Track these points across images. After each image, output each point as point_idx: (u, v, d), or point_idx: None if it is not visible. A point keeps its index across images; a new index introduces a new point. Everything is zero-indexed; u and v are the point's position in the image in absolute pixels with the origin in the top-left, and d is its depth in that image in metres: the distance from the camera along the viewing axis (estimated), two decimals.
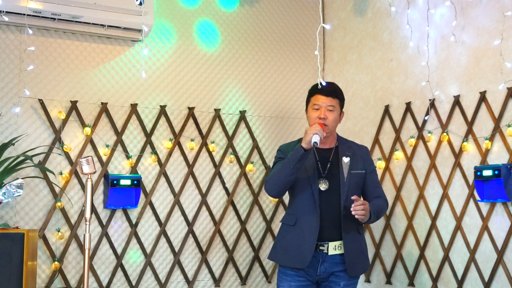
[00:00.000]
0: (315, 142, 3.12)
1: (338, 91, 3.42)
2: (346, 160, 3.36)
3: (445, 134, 4.21)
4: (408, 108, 4.49)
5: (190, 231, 4.64)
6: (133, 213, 4.48)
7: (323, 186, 3.29)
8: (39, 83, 4.24)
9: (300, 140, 3.38)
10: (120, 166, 4.45)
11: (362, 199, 3.40)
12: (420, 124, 4.40)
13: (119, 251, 4.41)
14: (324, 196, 3.28)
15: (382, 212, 3.40)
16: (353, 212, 3.16)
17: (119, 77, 4.51)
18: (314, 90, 3.39)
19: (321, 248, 3.24)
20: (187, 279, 4.61)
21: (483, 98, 3.99)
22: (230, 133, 4.84)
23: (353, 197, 3.19)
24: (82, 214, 4.27)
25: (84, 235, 2.96)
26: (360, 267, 3.36)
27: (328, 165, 3.34)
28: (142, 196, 4.46)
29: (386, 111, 4.67)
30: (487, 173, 3.79)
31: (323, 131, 3.20)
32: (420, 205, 4.37)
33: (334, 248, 3.26)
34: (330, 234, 3.27)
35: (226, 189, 4.79)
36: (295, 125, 5.10)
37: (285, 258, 3.31)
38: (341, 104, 3.42)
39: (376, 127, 4.74)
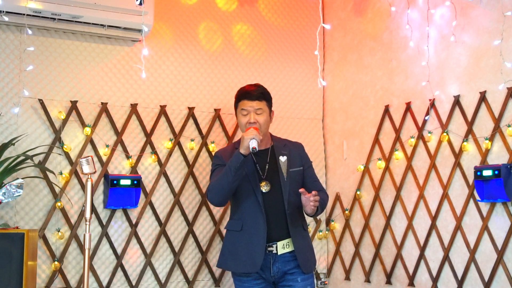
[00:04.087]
0: (254, 148, 3.12)
1: (264, 93, 3.42)
2: (283, 159, 3.38)
3: (445, 134, 4.21)
4: (408, 108, 4.49)
5: (190, 231, 4.63)
6: (133, 213, 4.48)
7: (265, 188, 3.32)
8: (39, 83, 4.24)
9: (235, 144, 3.39)
10: (120, 166, 4.45)
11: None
12: (420, 124, 4.39)
13: (119, 251, 4.40)
14: (267, 197, 3.31)
15: (325, 205, 3.45)
16: (311, 204, 3.17)
17: (119, 77, 4.51)
18: (240, 96, 3.40)
19: (269, 249, 3.27)
20: (187, 279, 4.61)
21: (483, 98, 3.99)
22: (230, 133, 4.84)
23: (300, 190, 3.21)
24: (82, 214, 4.27)
25: (84, 235, 2.96)
26: (312, 262, 3.40)
27: (267, 167, 3.36)
28: (142, 196, 4.45)
29: (386, 111, 4.67)
30: (487, 173, 3.79)
31: (259, 133, 3.21)
32: (420, 205, 4.37)
33: (282, 247, 3.29)
34: (278, 234, 3.30)
35: None
36: (294, 125, 5.10)
37: (236, 264, 3.33)
38: (269, 105, 3.43)
39: (376, 127, 4.74)
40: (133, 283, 4.44)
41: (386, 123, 4.69)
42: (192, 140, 4.69)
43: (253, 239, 3.27)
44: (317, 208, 3.28)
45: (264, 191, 3.31)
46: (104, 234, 4.35)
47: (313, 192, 3.21)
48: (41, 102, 4.22)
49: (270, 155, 3.39)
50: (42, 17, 4.05)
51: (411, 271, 4.40)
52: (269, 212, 3.29)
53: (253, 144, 3.13)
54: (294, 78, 5.15)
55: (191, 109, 4.71)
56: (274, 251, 3.28)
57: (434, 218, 4.25)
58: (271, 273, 3.29)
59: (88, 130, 4.33)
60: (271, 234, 3.28)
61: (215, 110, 4.80)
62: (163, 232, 4.55)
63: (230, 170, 3.19)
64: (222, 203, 3.40)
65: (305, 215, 3.46)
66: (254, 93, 3.38)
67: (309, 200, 3.20)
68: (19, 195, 3.81)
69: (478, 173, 3.85)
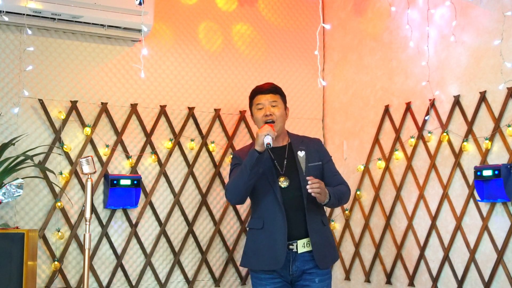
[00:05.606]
0: (268, 144, 3.12)
1: (277, 88, 3.44)
2: (301, 154, 3.37)
3: (445, 134, 4.21)
4: (408, 108, 4.49)
5: (190, 231, 4.63)
6: (133, 213, 4.48)
7: (284, 184, 3.30)
8: (39, 83, 4.24)
9: (252, 144, 3.38)
10: (120, 166, 4.45)
11: None
12: (420, 124, 4.39)
13: (119, 251, 4.40)
14: (286, 193, 3.29)
15: (344, 197, 3.40)
16: (309, 190, 3.15)
17: (119, 77, 4.51)
18: (253, 93, 3.42)
19: (290, 247, 3.26)
20: (187, 279, 4.61)
21: (483, 98, 3.99)
22: (230, 133, 4.84)
23: (308, 178, 3.18)
24: (82, 214, 4.27)
25: (84, 235, 2.96)
26: (330, 258, 3.37)
27: (285, 162, 3.35)
28: (142, 196, 4.45)
29: (386, 111, 4.67)
30: (487, 173, 3.79)
31: (273, 129, 3.21)
32: (420, 205, 4.37)
33: (302, 245, 3.28)
34: (297, 232, 3.28)
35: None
36: (294, 125, 5.10)
37: (259, 261, 3.31)
38: (284, 100, 3.43)
39: (376, 127, 4.74)
40: (133, 283, 4.44)
41: (386, 123, 4.69)
42: (192, 140, 4.69)
43: (274, 236, 3.26)
44: (329, 197, 3.25)
45: (283, 186, 3.30)
46: (104, 234, 4.36)
47: (308, 178, 3.18)
48: (41, 102, 4.22)
49: (288, 151, 3.39)
50: (42, 17, 4.06)
51: (411, 271, 4.40)
52: (288, 208, 3.27)
53: (268, 140, 3.12)
54: (294, 78, 5.15)
55: (191, 109, 4.71)
56: (295, 250, 3.27)
57: (434, 218, 4.25)
58: (290, 272, 3.28)
59: (88, 130, 4.33)
60: (292, 231, 3.27)
61: (215, 110, 4.80)
62: (163, 232, 4.55)
63: (246, 168, 3.19)
64: (240, 201, 3.39)
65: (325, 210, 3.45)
66: (267, 87, 3.39)
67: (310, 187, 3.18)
68: (19, 195, 3.81)
69: (478, 173, 3.85)
